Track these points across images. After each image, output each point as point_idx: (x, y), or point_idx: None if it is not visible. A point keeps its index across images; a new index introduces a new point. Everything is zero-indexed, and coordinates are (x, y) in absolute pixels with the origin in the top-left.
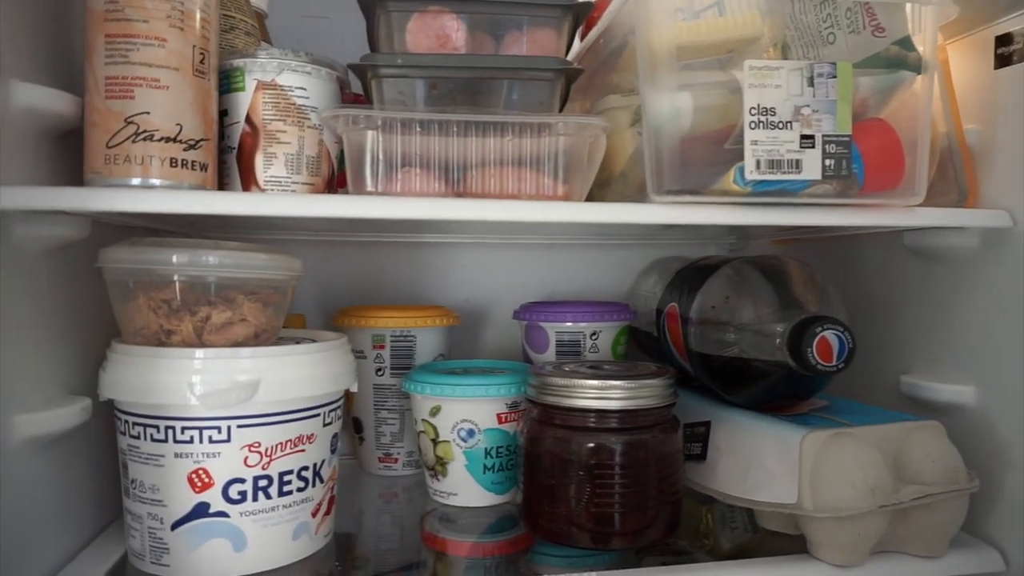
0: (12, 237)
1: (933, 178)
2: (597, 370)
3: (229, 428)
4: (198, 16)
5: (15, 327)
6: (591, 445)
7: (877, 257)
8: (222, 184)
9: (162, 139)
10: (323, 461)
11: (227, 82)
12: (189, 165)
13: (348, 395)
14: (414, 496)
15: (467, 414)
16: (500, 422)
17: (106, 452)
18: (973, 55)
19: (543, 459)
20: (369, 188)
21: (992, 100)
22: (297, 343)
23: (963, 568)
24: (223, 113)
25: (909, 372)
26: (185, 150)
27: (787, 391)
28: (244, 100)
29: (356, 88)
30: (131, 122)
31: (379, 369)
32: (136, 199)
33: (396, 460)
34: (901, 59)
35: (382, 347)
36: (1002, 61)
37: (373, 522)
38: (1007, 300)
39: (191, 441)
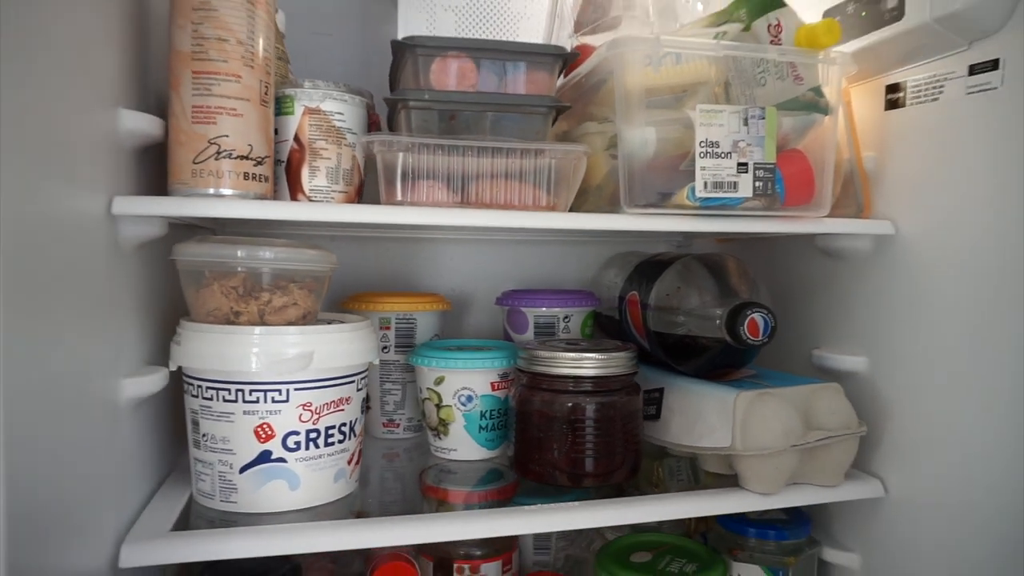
0: (119, 237)
1: (839, 194)
2: (574, 346)
3: (288, 391)
4: (262, 56)
5: (123, 308)
6: (570, 404)
7: (796, 255)
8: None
9: (238, 157)
10: (356, 419)
11: (279, 107)
12: (257, 178)
13: None
14: (414, 456)
15: (466, 383)
16: (493, 389)
17: (165, 413)
18: (870, 98)
19: (532, 417)
20: (399, 198)
21: (883, 134)
22: (329, 323)
23: (854, 494)
24: (275, 132)
25: (819, 347)
26: (254, 165)
27: (725, 362)
28: (293, 122)
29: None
30: (214, 143)
31: (384, 347)
32: (229, 207)
33: (398, 425)
34: (814, 103)
35: (387, 328)
36: (891, 104)
37: (379, 477)
38: (891, 290)
39: (257, 401)
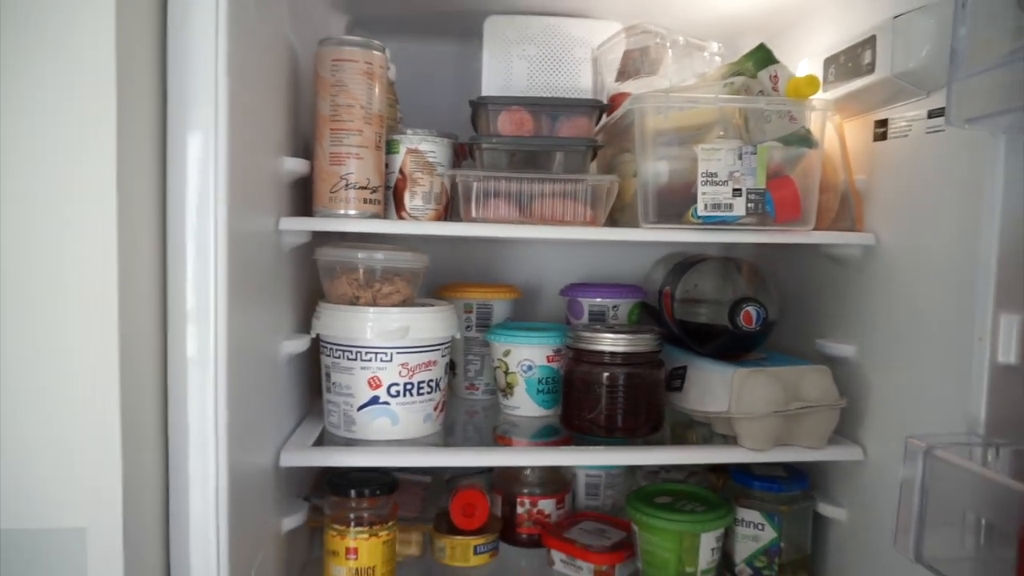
0: (281, 243)
1: (837, 210)
2: (611, 329)
3: (392, 353)
4: (377, 114)
5: (283, 292)
6: (606, 374)
7: (810, 260)
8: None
9: (359, 188)
10: (440, 377)
11: (389, 148)
12: (373, 202)
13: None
14: (489, 413)
15: (527, 355)
16: (548, 361)
17: (306, 368)
18: (863, 130)
19: (575, 383)
20: (474, 216)
21: (872, 160)
22: (423, 306)
23: (833, 456)
24: (385, 167)
25: (823, 337)
26: (371, 193)
27: (735, 346)
28: (398, 159)
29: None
30: (343, 179)
31: (468, 326)
32: (355, 224)
33: (478, 388)
34: (804, 137)
35: (470, 312)
36: (877, 136)
37: (461, 428)
38: (874, 290)
39: (370, 360)
